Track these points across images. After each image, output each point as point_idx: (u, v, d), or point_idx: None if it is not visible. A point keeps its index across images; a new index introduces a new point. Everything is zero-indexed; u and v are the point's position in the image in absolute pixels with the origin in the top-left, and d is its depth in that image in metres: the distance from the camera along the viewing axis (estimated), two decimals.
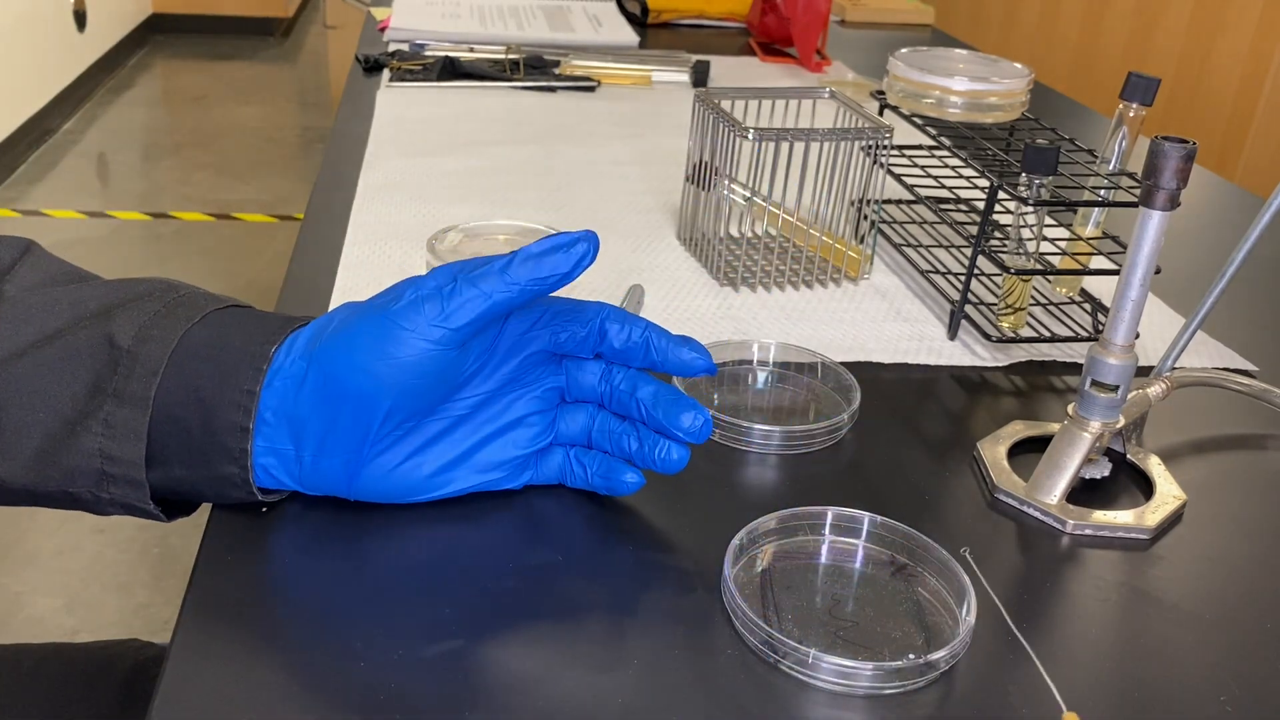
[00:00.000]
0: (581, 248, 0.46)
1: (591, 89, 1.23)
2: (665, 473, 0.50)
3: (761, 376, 0.65)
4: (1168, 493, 0.55)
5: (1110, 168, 0.72)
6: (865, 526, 0.50)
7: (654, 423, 0.49)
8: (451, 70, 1.21)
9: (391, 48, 1.30)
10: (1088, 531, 0.53)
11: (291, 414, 0.46)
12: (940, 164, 0.87)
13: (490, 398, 0.49)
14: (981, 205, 0.82)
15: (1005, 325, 0.71)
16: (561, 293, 0.50)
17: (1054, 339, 0.70)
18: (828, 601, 0.47)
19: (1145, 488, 0.57)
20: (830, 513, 0.50)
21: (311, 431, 0.46)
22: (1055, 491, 0.54)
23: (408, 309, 0.45)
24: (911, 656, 0.43)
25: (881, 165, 0.76)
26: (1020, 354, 0.69)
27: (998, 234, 0.81)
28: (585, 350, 0.50)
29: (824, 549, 0.50)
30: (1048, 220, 0.77)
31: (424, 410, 0.47)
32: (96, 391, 0.45)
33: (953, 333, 0.71)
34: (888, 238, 0.83)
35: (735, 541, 0.47)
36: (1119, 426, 0.55)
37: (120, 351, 0.46)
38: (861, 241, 0.79)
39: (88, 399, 0.45)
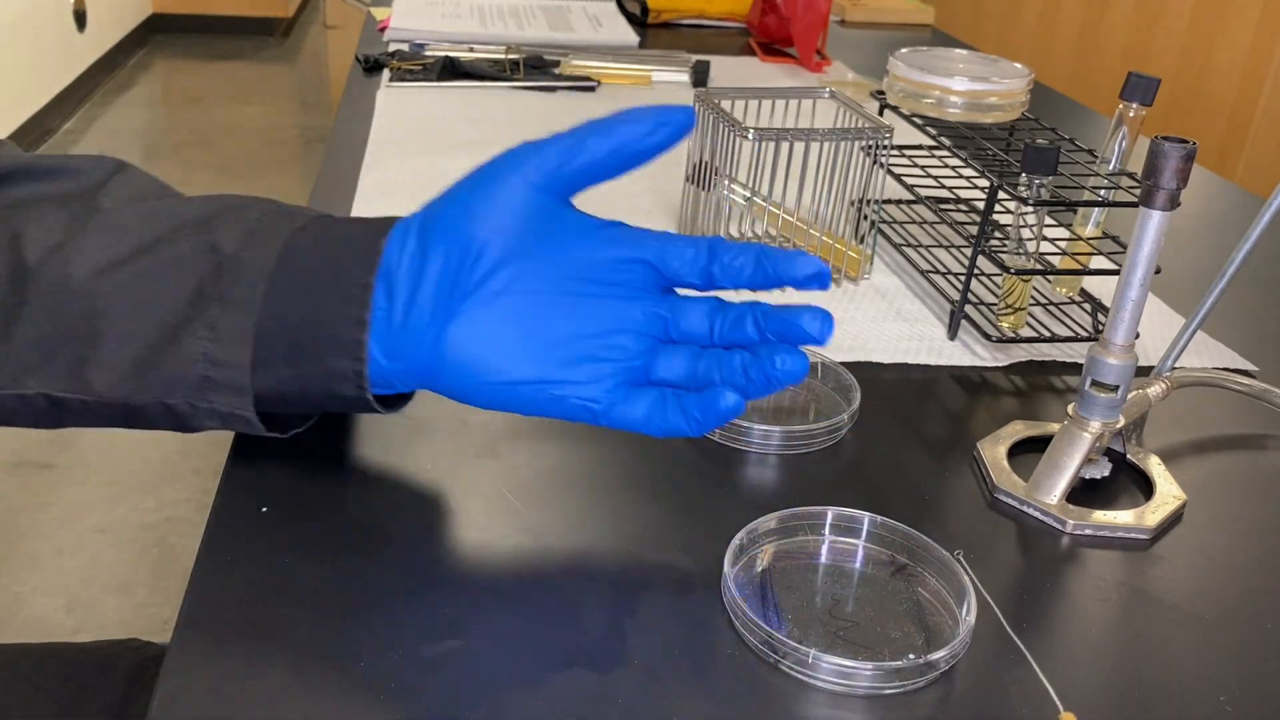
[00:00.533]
0: (679, 117, 0.47)
1: (591, 89, 1.23)
2: (787, 384, 0.46)
3: None
4: (1168, 493, 0.55)
5: (1110, 168, 0.72)
6: (865, 526, 0.50)
7: (773, 328, 0.47)
8: (451, 70, 1.21)
9: (391, 48, 1.30)
10: (1088, 531, 0.53)
11: (392, 274, 0.46)
12: (940, 164, 0.87)
13: (592, 291, 0.47)
14: (981, 205, 0.82)
15: (1005, 325, 0.71)
16: None
17: (1054, 339, 0.70)
18: (828, 601, 0.47)
19: (1145, 488, 0.57)
20: (830, 513, 0.50)
21: (404, 283, 0.45)
22: (1055, 491, 0.54)
23: (510, 156, 0.47)
24: (911, 656, 0.43)
25: (881, 165, 0.76)
26: (1020, 354, 0.69)
27: (998, 234, 0.81)
28: (694, 271, 0.47)
29: (824, 549, 0.50)
30: (1048, 220, 0.77)
31: (525, 267, 0.46)
32: (200, 296, 0.45)
33: (953, 333, 0.71)
34: (888, 238, 0.83)
35: (735, 541, 0.47)
36: (1119, 426, 0.55)
37: (225, 256, 0.45)
38: (861, 241, 0.79)
39: (190, 305, 0.45)
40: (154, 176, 0.53)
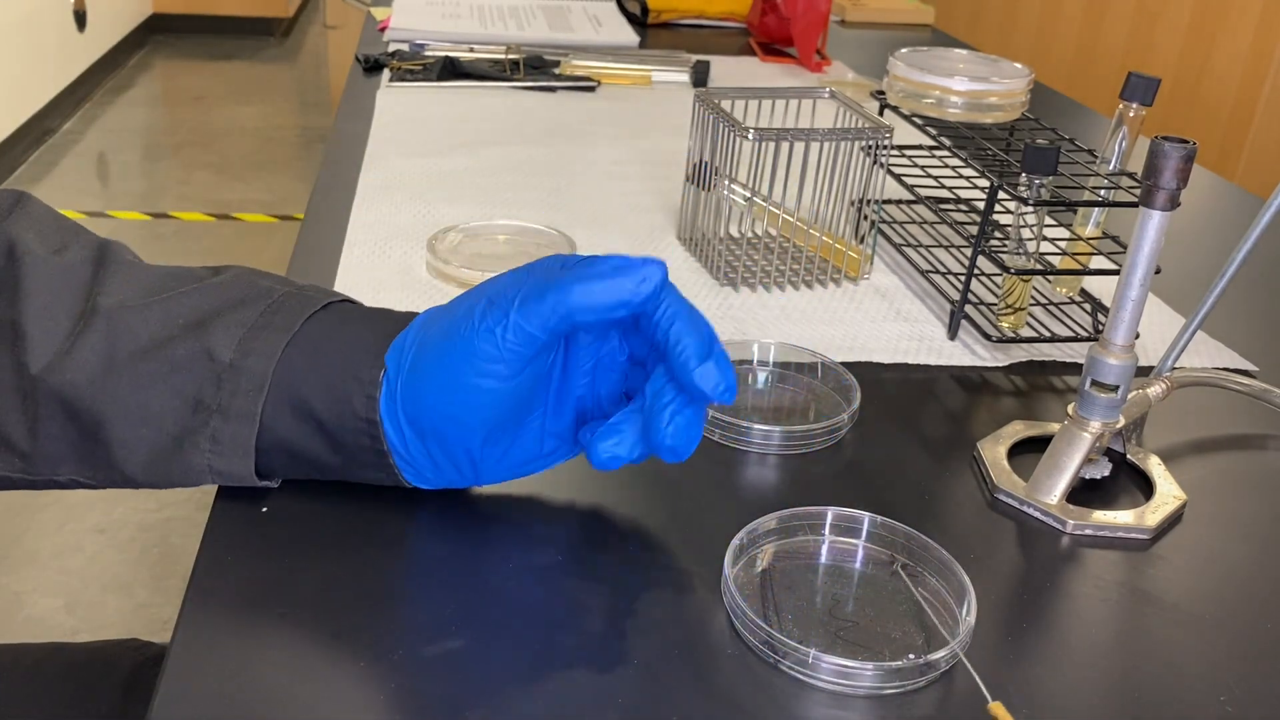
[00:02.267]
0: (649, 271, 0.43)
1: (591, 89, 1.23)
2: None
3: (761, 376, 0.65)
4: (1168, 493, 0.55)
5: (1110, 168, 0.72)
6: (865, 526, 0.50)
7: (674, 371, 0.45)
8: (451, 70, 1.21)
9: (391, 48, 1.30)
10: (1088, 531, 0.53)
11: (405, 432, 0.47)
12: (940, 164, 0.87)
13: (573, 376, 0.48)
14: (981, 205, 0.82)
15: (1005, 325, 0.71)
16: None
17: (1054, 339, 0.70)
18: (828, 602, 0.47)
19: (1145, 488, 0.57)
20: (830, 513, 0.50)
21: (421, 460, 0.47)
22: (1055, 491, 0.54)
23: (466, 353, 0.44)
24: (911, 657, 0.43)
25: (881, 165, 0.76)
26: (1020, 354, 0.69)
27: (998, 234, 0.81)
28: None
29: (824, 549, 0.50)
30: (1048, 220, 0.77)
31: (522, 414, 0.47)
32: (200, 407, 0.46)
33: (953, 333, 0.71)
34: (888, 238, 0.83)
35: (735, 541, 0.47)
36: (1119, 426, 0.55)
37: (221, 365, 0.46)
38: (861, 241, 0.79)
39: (192, 415, 0.46)
40: (57, 212, 0.54)
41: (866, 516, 0.50)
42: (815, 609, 0.46)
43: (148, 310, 0.48)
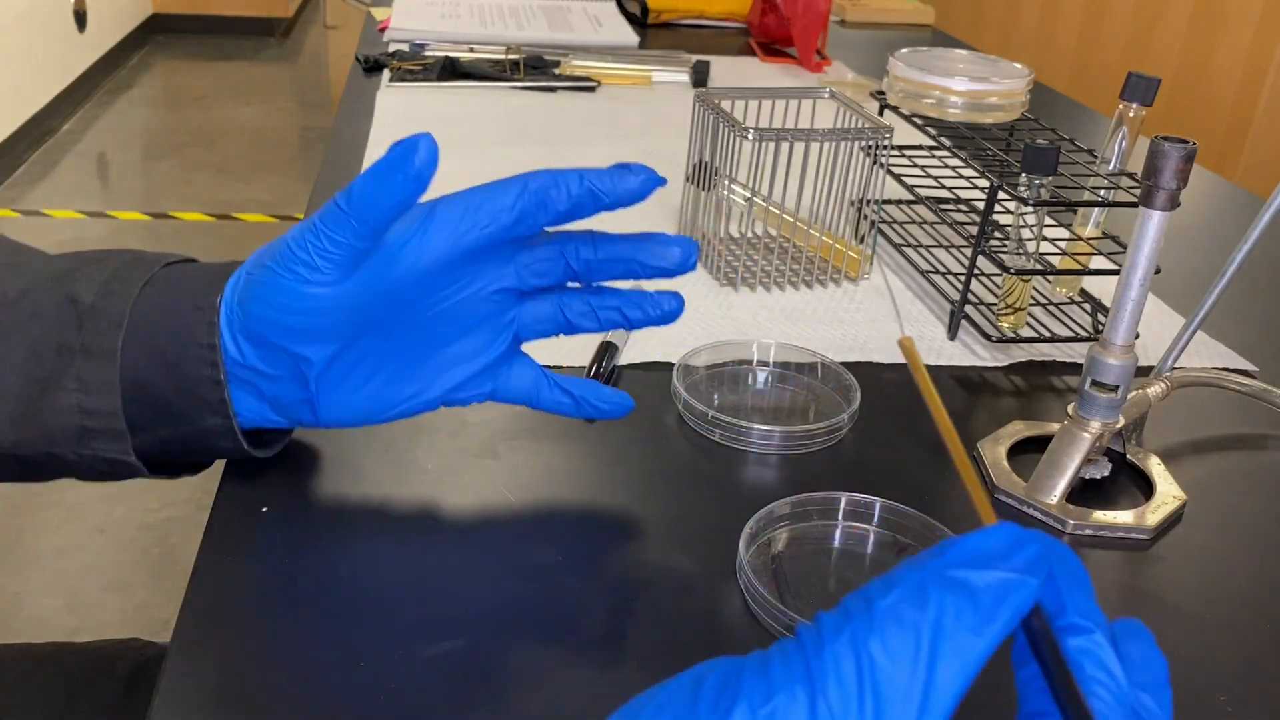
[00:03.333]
0: (422, 153, 0.42)
1: (591, 89, 1.23)
2: (665, 323, 0.50)
3: (761, 376, 0.65)
4: (1168, 493, 0.55)
5: (1110, 168, 0.72)
6: (877, 511, 0.51)
7: (641, 266, 0.49)
8: (451, 70, 1.21)
9: (391, 48, 1.30)
10: (1088, 531, 0.53)
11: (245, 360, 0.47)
12: (940, 164, 0.87)
13: (436, 307, 0.48)
14: (981, 205, 0.82)
15: (1005, 325, 0.71)
16: None
17: (1054, 339, 0.70)
18: (840, 585, 0.47)
19: (1145, 488, 0.57)
20: (843, 498, 0.51)
21: (264, 373, 0.47)
22: (1055, 491, 0.54)
23: (282, 261, 0.45)
24: None
25: (881, 165, 0.76)
26: (1020, 354, 0.69)
27: (998, 234, 0.81)
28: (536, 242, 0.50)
29: (837, 534, 0.51)
30: (1048, 220, 0.77)
31: (362, 346, 0.47)
32: (63, 350, 0.46)
33: (953, 333, 0.71)
34: (888, 238, 0.83)
35: (748, 529, 0.48)
36: (1119, 426, 0.55)
37: (83, 307, 0.46)
38: (861, 241, 0.79)
39: (56, 358, 0.46)
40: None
41: (878, 501, 0.51)
42: (828, 592, 0.47)
43: (13, 268, 0.49)
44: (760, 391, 0.64)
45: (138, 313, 0.46)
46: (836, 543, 0.50)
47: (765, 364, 0.65)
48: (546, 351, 0.65)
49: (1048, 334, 0.70)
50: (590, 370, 0.61)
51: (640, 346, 0.66)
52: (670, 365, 0.62)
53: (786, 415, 0.61)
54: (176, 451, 0.48)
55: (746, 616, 0.45)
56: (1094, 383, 0.54)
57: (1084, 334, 0.70)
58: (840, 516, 0.51)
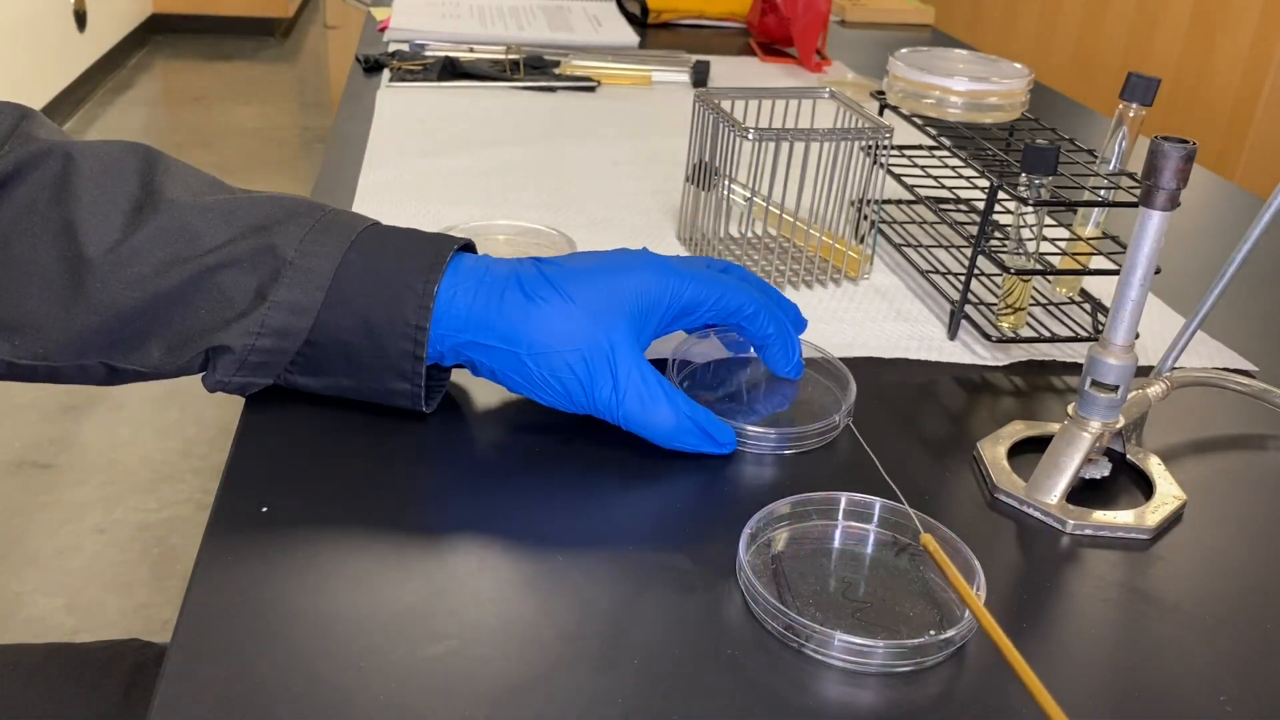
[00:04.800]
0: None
1: (591, 89, 1.23)
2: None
3: (759, 373, 0.64)
4: (1168, 493, 0.55)
5: (1110, 168, 0.72)
6: (877, 511, 0.51)
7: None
8: (451, 70, 1.21)
9: (391, 48, 1.30)
10: (1088, 531, 0.53)
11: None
12: (940, 164, 0.87)
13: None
14: (981, 205, 0.82)
15: (1005, 325, 0.71)
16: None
17: (1054, 339, 0.70)
18: (840, 585, 0.47)
19: (1145, 488, 0.57)
20: (844, 498, 0.51)
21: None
22: (1055, 491, 0.54)
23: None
24: (932, 633, 0.44)
25: (881, 165, 0.76)
26: (1020, 354, 0.69)
27: (998, 234, 0.81)
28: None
29: (837, 534, 0.51)
30: (1048, 220, 0.77)
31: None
32: (259, 298, 0.51)
33: (953, 333, 0.71)
34: (888, 238, 0.83)
35: (747, 529, 0.48)
36: (1119, 426, 0.55)
37: (283, 263, 0.51)
38: (861, 241, 0.79)
39: (251, 304, 0.51)
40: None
41: (878, 501, 0.51)
42: (829, 592, 0.47)
43: (208, 212, 0.52)
44: (758, 389, 0.64)
45: (342, 274, 0.51)
46: (836, 543, 0.50)
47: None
48: None
49: (1048, 334, 0.70)
50: None
51: None
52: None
53: (787, 415, 0.61)
54: (349, 394, 0.54)
55: (746, 616, 0.45)
56: (1094, 383, 0.54)
57: (1084, 334, 0.70)
58: (840, 516, 0.51)
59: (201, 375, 0.53)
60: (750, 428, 0.57)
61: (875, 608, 0.46)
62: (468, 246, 0.57)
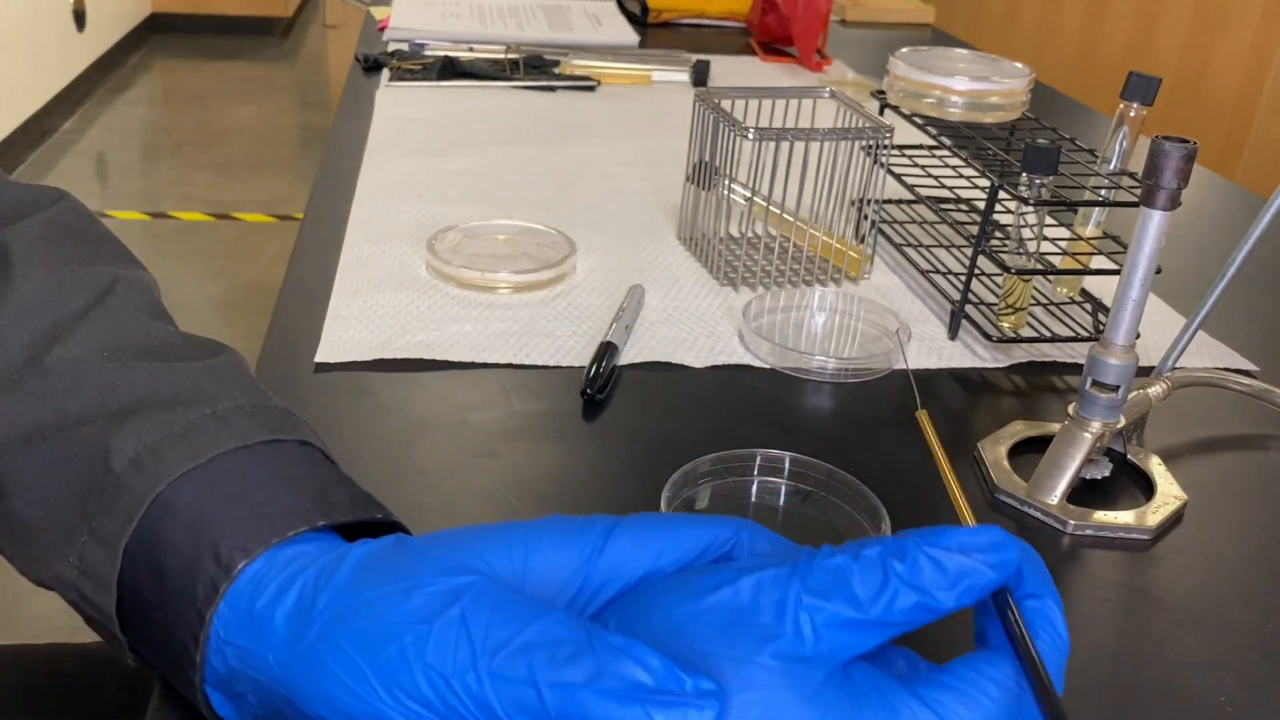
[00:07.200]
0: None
1: (591, 89, 1.23)
2: None
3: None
4: (1168, 493, 0.55)
5: (1110, 168, 0.72)
6: (786, 465, 0.54)
7: None
8: (451, 70, 1.21)
9: (391, 47, 1.30)
10: (1088, 532, 0.53)
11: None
12: (940, 164, 0.87)
13: None
14: (982, 205, 0.82)
15: (1006, 325, 0.71)
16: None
17: (1054, 339, 0.70)
18: None
19: (1146, 488, 0.57)
20: (759, 454, 0.54)
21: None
22: (1056, 491, 0.54)
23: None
24: None
25: (881, 165, 0.76)
26: (1021, 354, 0.69)
27: (998, 234, 0.81)
28: None
29: (753, 489, 0.54)
30: (1048, 220, 0.77)
31: None
32: (84, 514, 0.38)
33: (953, 333, 0.71)
34: (888, 238, 0.83)
35: (665, 491, 0.50)
36: (1119, 426, 0.55)
37: (111, 476, 0.38)
38: (861, 241, 0.79)
39: (73, 521, 0.38)
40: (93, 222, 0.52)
41: (787, 455, 0.53)
42: None
43: (83, 381, 0.42)
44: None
45: (156, 508, 0.37)
46: (753, 497, 0.53)
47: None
48: (546, 352, 0.65)
49: (1048, 334, 0.70)
50: (590, 370, 0.61)
51: (640, 346, 0.66)
52: (670, 365, 0.62)
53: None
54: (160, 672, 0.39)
55: None
56: (1094, 383, 0.54)
57: (1084, 334, 0.70)
58: (756, 472, 0.54)
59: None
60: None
61: None
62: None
